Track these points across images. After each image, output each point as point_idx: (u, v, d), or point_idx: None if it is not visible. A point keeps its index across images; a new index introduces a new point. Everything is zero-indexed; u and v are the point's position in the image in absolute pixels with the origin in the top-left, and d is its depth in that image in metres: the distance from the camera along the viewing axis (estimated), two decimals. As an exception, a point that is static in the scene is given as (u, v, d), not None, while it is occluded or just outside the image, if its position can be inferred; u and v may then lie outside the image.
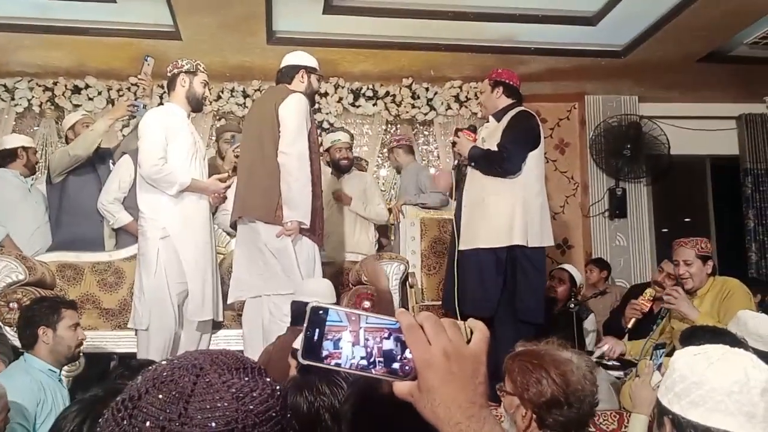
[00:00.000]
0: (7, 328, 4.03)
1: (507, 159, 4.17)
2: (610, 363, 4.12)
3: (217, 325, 4.35)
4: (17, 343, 3.76)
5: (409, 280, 4.83)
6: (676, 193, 7.48)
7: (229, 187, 4.32)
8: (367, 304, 4.30)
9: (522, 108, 4.31)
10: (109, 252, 4.82)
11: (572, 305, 4.78)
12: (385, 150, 6.70)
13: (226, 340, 4.37)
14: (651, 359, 2.87)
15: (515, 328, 3.96)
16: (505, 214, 4.12)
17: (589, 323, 5.06)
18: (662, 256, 5.51)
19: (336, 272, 4.84)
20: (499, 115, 4.34)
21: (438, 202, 5.39)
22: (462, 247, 4.29)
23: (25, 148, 5.12)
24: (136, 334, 4.10)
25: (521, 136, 4.19)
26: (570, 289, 5.22)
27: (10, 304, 4.07)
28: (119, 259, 4.73)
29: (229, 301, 4.21)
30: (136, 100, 5.17)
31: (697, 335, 2.79)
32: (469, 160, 4.37)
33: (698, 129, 7.21)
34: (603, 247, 6.98)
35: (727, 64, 6.17)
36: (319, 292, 3.52)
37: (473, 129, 4.64)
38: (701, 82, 6.53)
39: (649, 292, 4.13)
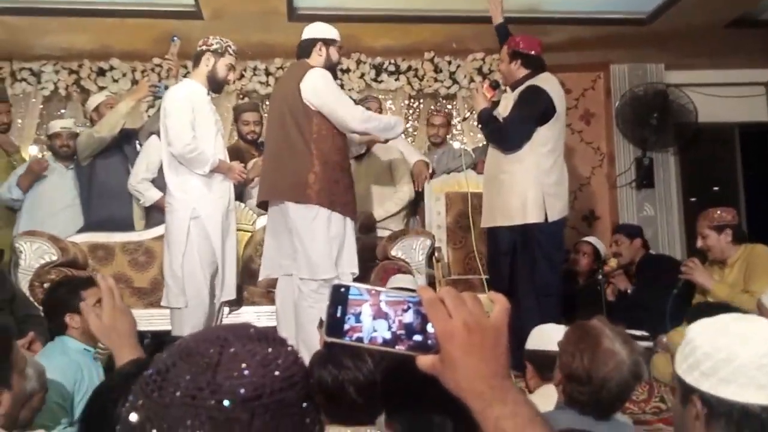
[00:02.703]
0: (41, 308, 4.10)
1: (506, 134, 4.15)
2: (638, 334, 4.12)
3: (236, 302, 4.39)
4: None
5: (436, 254, 4.84)
6: (705, 162, 7.36)
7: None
8: (392, 279, 4.33)
9: (531, 83, 4.15)
10: (139, 231, 4.90)
11: (600, 276, 4.75)
12: (409, 124, 6.72)
13: (256, 316, 4.42)
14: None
15: (537, 302, 3.98)
16: (518, 192, 4.08)
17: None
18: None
19: (363, 247, 4.85)
20: (515, 87, 4.27)
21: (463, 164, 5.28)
22: (483, 225, 4.37)
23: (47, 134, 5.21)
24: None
25: (525, 114, 4.09)
26: (594, 261, 5.16)
27: (45, 285, 4.15)
28: (149, 239, 4.81)
29: (260, 279, 4.25)
30: (159, 81, 5.20)
31: (702, 315, 2.77)
32: (477, 119, 4.37)
33: (726, 96, 7.06)
34: (630, 217, 6.88)
35: (755, 28, 6.03)
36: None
37: (495, 85, 4.52)
38: (729, 47, 6.38)
39: (612, 261, 4.61)
